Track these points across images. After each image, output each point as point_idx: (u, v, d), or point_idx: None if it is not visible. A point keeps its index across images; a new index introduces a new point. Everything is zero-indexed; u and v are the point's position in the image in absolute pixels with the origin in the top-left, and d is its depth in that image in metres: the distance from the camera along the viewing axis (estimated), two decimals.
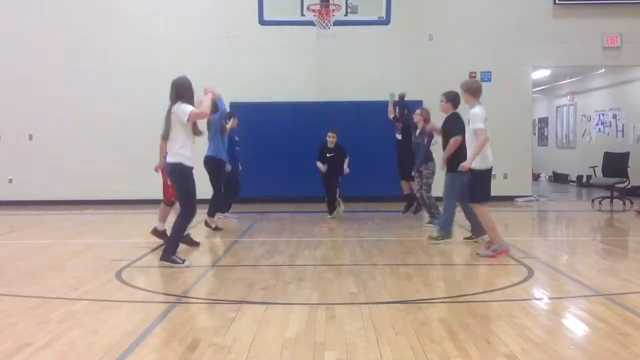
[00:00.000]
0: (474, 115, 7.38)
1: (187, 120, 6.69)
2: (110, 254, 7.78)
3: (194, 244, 8.06)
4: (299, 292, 5.74)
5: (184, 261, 6.85)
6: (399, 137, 11.16)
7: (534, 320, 4.80)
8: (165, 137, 6.84)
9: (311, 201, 12.43)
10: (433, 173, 9.74)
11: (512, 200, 14.16)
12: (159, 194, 14.97)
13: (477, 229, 8.17)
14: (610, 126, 16.98)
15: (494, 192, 14.40)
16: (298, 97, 14.05)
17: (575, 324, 4.76)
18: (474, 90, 7.54)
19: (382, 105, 11.88)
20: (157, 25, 14.14)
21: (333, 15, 10.56)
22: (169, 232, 7.46)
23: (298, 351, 4.06)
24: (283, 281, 6.16)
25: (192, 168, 6.90)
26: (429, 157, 9.77)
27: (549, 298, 5.63)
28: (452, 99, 8.27)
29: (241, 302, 5.39)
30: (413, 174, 9.98)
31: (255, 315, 4.91)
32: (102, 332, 4.49)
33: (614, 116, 16.76)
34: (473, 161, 7.32)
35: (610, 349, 4.06)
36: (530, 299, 5.58)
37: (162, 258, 6.91)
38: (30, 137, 14.30)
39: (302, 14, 10.76)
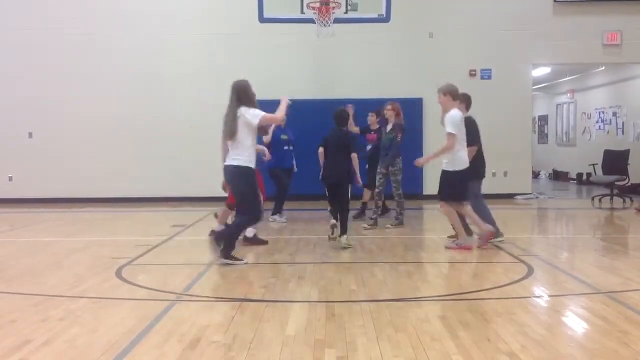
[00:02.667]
0: (449, 117, 7.46)
1: (258, 123, 6.78)
2: (109, 251, 7.78)
3: (262, 242, 8.07)
4: (299, 290, 5.74)
5: (242, 259, 6.97)
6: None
7: (533, 317, 4.80)
8: (231, 139, 6.81)
9: (311, 199, 12.43)
10: (401, 170, 9.47)
11: (512, 197, 14.18)
12: (157, 192, 15.08)
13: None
14: (611, 124, 16.98)
15: (494, 189, 14.57)
16: (298, 94, 14.00)
17: (575, 322, 4.76)
18: (454, 93, 7.62)
19: (381, 103, 11.86)
20: (157, 24, 14.14)
21: (333, 13, 10.54)
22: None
23: (298, 349, 4.06)
24: (283, 279, 6.16)
25: (254, 170, 6.94)
26: (399, 154, 9.50)
27: (549, 296, 5.62)
28: (466, 100, 8.01)
29: (241, 299, 5.40)
30: (382, 170, 9.48)
31: (256, 313, 4.91)
32: (102, 330, 4.49)
33: (614, 114, 16.76)
34: (448, 163, 7.54)
35: (610, 347, 4.06)
36: (530, 297, 5.58)
37: (222, 255, 6.93)
38: (30, 135, 14.30)
39: (302, 12, 10.74)
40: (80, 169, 14.15)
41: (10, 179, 14.31)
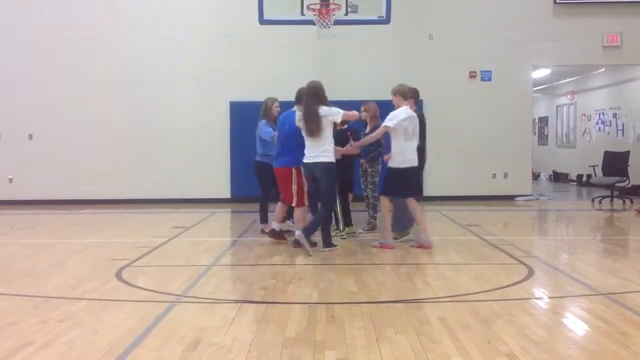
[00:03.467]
0: (391, 113, 7.78)
1: (341, 119, 7.46)
2: (109, 253, 7.79)
3: (284, 238, 8.27)
4: (299, 292, 5.74)
5: (337, 245, 7.80)
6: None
7: (534, 319, 4.80)
8: (315, 137, 7.39)
9: None
10: (379, 172, 9.21)
11: (512, 199, 14.17)
12: (157, 194, 15.07)
13: (395, 227, 8.25)
14: (610, 125, 16.98)
15: (494, 191, 14.55)
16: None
17: (576, 323, 4.76)
18: (404, 93, 7.94)
19: (382, 105, 11.86)
20: (157, 25, 14.14)
21: (333, 15, 10.54)
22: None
23: (298, 351, 4.06)
24: (283, 281, 6.16)
25: None
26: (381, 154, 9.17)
27: (549, 297, 5.63)
28: (414, 94, 8.34)
29: (241, 301, 5.40)
30: (365, 166, 9.12)
31: (256, 314, 4.92)
32: (102, 332, 4.50)
33: (614, 115, 16.75)
34: (391, 160, 7.80)
35: (611, 348, 4.06)
36: (530, 298, 5.59)
37: (325, 246, 7.63)
38: (30, 136, 14.29)
39: (302, 14, 10.73)
40: (80, 171, 14.15)
41: (11, 180, 14.30)
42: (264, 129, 8.68)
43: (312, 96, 7.51)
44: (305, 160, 7.58)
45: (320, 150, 7.45)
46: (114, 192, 14.11)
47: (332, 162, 7.52)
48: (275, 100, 8.99)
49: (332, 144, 7.56)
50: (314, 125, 7.39)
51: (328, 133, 7.49)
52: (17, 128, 14.21)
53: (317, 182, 7.67)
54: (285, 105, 14.68)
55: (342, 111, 7.47)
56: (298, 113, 7.67)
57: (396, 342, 4.19)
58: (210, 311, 5.16)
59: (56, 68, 14.14)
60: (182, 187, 14.15)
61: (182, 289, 5.85)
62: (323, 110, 7.42)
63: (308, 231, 7.50)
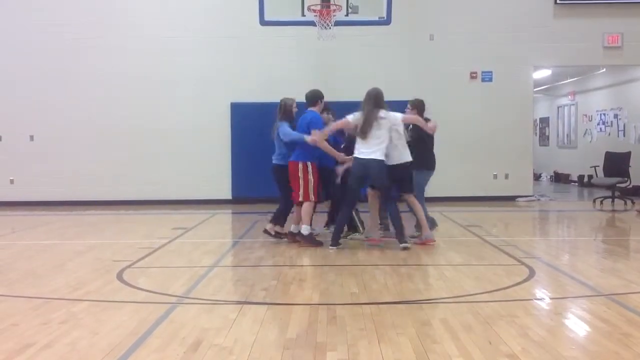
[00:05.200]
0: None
1: (401, 120, 7.96)
2: (111, 254, 7.78)
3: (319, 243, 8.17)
4: (300, 293, 5.74)
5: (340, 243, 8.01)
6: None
7: (535, 320, 4.80)
8: (367, 138, 7.71)
9: None
10: None
11: (513, 200, 14.17)
12: (158, 195, 15.06)
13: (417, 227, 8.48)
14: (612, 126, 16.97)
15: (496, 191, 14.54)
16: (299, 97, 14.01)
17: (577, 324, 4.75)
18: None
19: None
20: (158, 26, 14.16)
21: (334, 16, 10.57)
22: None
23: (299, 352, 4.06)
24: (284, 282, 6.16)
25: None
26: None
27: (551, 298, 5.62)
28: (417, 106, 8.64)
29: (242, 302, 5.40)
30: None
31: (257, 315, 4.91)
32: (103, 333, 4.49)
33: (615, 116, 16.75)
34: (391, 158, 8.00)
35: (612, 349, 4.06)
36: (531, 299, 5.58)
37: (333, 244, 7.88)
38: (32, 137, 14.31)
39: (303, 15, 10.76)
40: (81, 172, 14.17)
41: (12, 182, 14.32)
42: (285, 130, 8.40)
43: (372, 100, 7.86)
44: (358, 156, 7.76)
45: (374, 148, 7.71)
46: (115, 193, 14.12)
47: (384, 160, 7.78)
48: (293, 100, 8.91)
49: (386, 144, 7.80)
50: (369, 127, 7.71)
51: (385, 134, 7.75)
52: (18, 129, 14.24)
53: (363, 180, 7.90)
54: None
55: (400, 115, 7.97)
56: (357, 114, 7.87)
57: (397, 343, 4.19)
58: (211, 312, 5.16)
59: (57, 69, 14.15)
60: (183, 188, 14.15)
61: (184, 290, 5.85)
62: (383, 112, 7.80)
63: (402, 234, 7.92)
